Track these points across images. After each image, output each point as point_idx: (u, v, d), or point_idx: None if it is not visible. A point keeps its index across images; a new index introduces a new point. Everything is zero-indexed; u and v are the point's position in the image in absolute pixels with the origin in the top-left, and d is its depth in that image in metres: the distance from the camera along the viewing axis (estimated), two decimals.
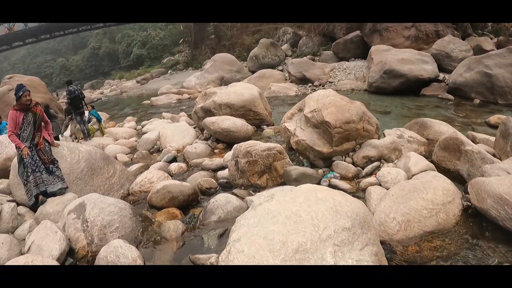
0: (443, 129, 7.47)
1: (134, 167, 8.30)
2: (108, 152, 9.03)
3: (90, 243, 4.64)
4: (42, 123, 5.92)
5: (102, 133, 12.93)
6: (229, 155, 7.14)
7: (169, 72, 41.33)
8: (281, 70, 24.29)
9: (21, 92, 5.54)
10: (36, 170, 5.56)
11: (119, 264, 4.13)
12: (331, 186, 5.63)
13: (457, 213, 4.50)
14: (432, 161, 6.18)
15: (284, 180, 5.89)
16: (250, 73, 25.64)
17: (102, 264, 4.20)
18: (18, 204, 5.87)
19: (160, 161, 8.43)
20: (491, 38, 19.48)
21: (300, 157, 6.97)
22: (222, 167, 7.19)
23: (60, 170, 5.90)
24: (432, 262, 3.85)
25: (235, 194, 5.64)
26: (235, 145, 6.40)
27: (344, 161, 6.50)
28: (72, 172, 6.28)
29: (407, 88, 15.37)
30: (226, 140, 8.85)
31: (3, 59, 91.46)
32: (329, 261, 2.80)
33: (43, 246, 4.47)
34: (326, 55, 24.14)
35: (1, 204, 5.56)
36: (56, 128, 11.00)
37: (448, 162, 5.98)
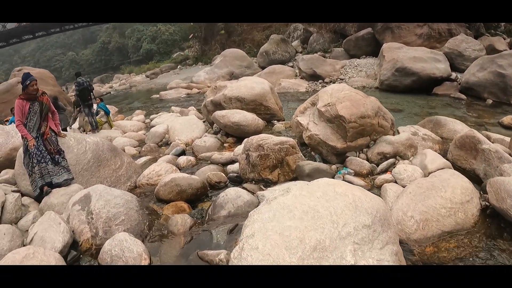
0: (457, 127, 7.36)
1: (142, 160, 8.19)
2: (116, 145, 8.87)
3: (95, 236, 4.50)
4: (49, 113, 5.78)
5: (110, 126, 12.85)
6: (239, 149, 7.01)
7: (178, 67, 41.26)
8: (292, 67, 24.07)
9: (28, 81, 5.42)
10: (42, 161, 5.43)
11: (123, 258, 3.99)
12: None
13: (476, 213, 4.35)
14: (447, 160, 5.99)
15: (297, 175, 5.71)
16: (260, 69, 25.49)
17: (106, 260, 4.07)
18: (22, 195, 5.77)
19: (169, 154, 8.32)
20: (504, 38, 19.19)
21: (312, 153, 6.79)
22: (232, 161, 7.04)
23: (66, 161, 5.77)
24: (449, 263, 3.72)
25: (246, 189, 5.45)
26: (246, 139, 6.26)
27: (358, 157, 6.32)
28: (79, 163, 6.17)
29: (419, 87, 15.15)
30: (236, 134, 8.72)
31: (13, 53, 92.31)
32: (349, 260, 2.62)
33: (46, 238, 4.34)
34: (337, 52, 23.94)
35: (5, 194, 5.46)
36: (64, 121, 10.90)
37: (464, 161, 5.84)
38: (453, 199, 4.31)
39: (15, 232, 4.69)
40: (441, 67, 15.52)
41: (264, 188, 5.56)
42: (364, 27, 22.71)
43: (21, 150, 5.92)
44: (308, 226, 2.76)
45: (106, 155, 6.61)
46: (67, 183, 5.61)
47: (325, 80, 19.40)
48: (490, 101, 12.66)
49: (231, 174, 6.37)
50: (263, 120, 9.36)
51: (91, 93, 11.77)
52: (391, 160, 6.11)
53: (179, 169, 7.15)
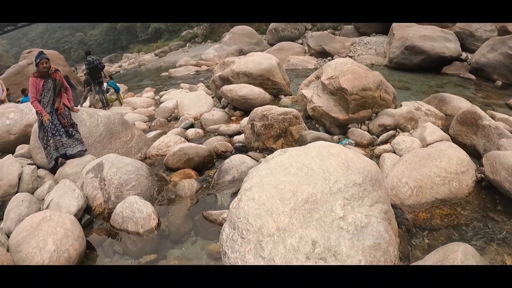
0: (462, 105, 7.31)
1: (152, 133, 8.42)
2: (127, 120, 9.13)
3: (107, 201, 4.79)
4: (62, 89, 6.05)
5: (120, 103, 13.05)
6: (245, 120, 7.17)
7: (187, 44, 41.08)
8: (301, 44, 23.94)
9: (38, 59, 5.71)
10: (56, 134, 5.71)
11: (134, 219, 4.26)
12: None
13: (470, 184, 4.43)
14: (449, 136, 6.09)
15: (299, 144, 5.86)
16: (269, 46, 25.33)
17: (118, 221, 4.34)
18: (38, 167, 6.06)
19: (178, 128, 8.54)
20: None
21: (316, 125, 6.96)
22: (238, 132, 7.24)
23: (80, 134, 6.06)
24: (442, 230, 3.84)
25: (250, 156, 5.68)
26: (252, 110, 6.43)
27: (360, 128, 6.49)
28: (91, 135, 6.45)
29: (428, 66, 14.99)
30: (243, 108, 8.89)
31: (21, 36, 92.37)
32: (338, 213, 2.85)
33: (62, 203, 4.62)
34: (346, 29, 23.67)
35: (22, 167, 5.76)
36: (74, 99, 11.09)
37: (465, 136, 5.90)
38: (448, 169, 4.41)
39: (32, 199, 4.99)
40: (451, 46, 15.31)
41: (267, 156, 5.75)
42: None
43: (36, 126, 6.19)
44: (301, 181, 2.99)
45: (118, 128, 6.88)
46: (80, 154, 5.90)
47: (334, 57, 19.24)
48: (499, 83, 12.50)
49: (237, 144, 6.58)
50: (270, 94, 9.51)
51: (102, 71, 11.94)
52: (391, 132, 6.26)
53: (188, 141, 7.38)
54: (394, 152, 5.63)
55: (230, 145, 6.54)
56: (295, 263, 2.52)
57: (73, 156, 5.81)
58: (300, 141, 5.87)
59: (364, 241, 2.80)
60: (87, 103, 13.30)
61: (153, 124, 9.74)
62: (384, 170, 4.93)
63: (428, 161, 4.54)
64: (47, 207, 4.70)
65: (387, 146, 5.83)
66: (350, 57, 19.06)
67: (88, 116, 6.60)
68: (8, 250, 3.70)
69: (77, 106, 7.39)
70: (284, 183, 2.96)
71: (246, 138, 6.30)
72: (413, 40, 15.46)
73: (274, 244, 2.61)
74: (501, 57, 12.63)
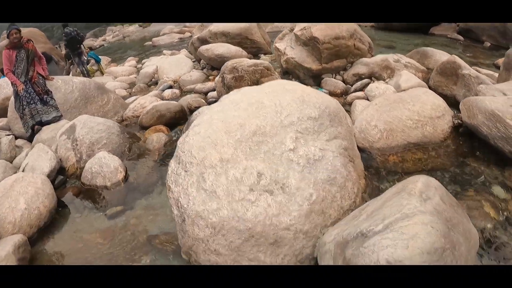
0: (444, 59, 7.11)
1: (131, 99, 8.31)
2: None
3: (79, 160, 4.82)
4: (36, 59, 6.03)
5: (102, 73, 12.86)
6: None
7: None
8: None
9: (9, 31, 5.70)
10: (31, 102, 5.79)
11: (102, 173, 4.30)
12: None
13: (446, 129, 4.29)
14: (429, 87, 5.87)
15: None
16: None
17: (87, 177, 4.35)
18: (16, 138, 6.08)
19: (156, 90, 8.43)
20: None
21: (291, 77, 6.89)
22: (213, 89, 7.17)
23: (54, 100, 6.11)
24: (414, 173, 3.66)
25: None
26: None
27: (334, 78, 6.43)
28: (66, 101, 6.47)
29: (416, 26, 14.59)
30: (220, 67, 8.73)
31: None
32: (289, 145, 2.81)
33: (36, 166, 4.67)
34: None
35: (0, 138, 5.77)
36: (57, 75, 10.95)
37: (445, 87, 5.74)
38: (422, 112, 4.29)
39: (8, 165, 5.02)
40: None
41: None
42: None
43: (12, 97, 6.19)
44: (250, 115, 2.95)
45: (93, 93, 6.88)
46: (55, 120, 5.97)
47: None
48: (488, 44, 12.23)
49: (210, 99, 6.56)
50: (249, 53, 9.37)
51: (81, 43, 11.76)
52: (365, 81, 6.19)
53: (163, 100, 7.29)
54: (367, 99, 5.57)
55: (203, 100, 6.50)
56: (237, 196, 2.52)
57: (48, 123, 5.89)
58: None
59: (317, 174, 2.76)
60: (69, 77, 13.06)
61: (133, 90, 9.61)
62: (354, 116, 4.86)
63: (400, 104, 4.43)
64: (22, 171, 4.71)
65: (360, 94, 5.80)
66: None
67: (63, 83, 6.63)
68: None
69: None
70: (233, 118, 2.94)
71: (218, 92, 6.25)
72: None
73: (216, 175, 2.60)
74: None
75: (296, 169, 2.72)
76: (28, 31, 18.38)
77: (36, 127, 5.82)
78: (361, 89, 6.09)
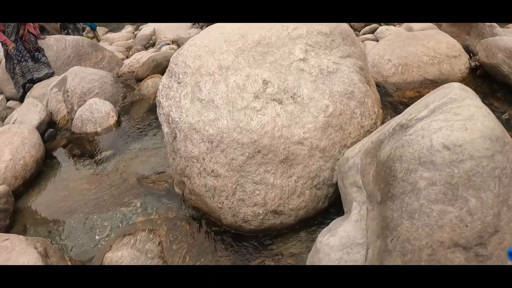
0: None
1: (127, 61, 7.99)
2: None
3: (70, 112, 4.59)
4: None
5: (98, 41, 12.46)
6: None
7: None
8: None
9: None
10: (22, 60, 5.69)
11: (92, 119, 4.10)
12: None
13: (464, 70, 4.00)
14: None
15: None
16: None
17: (78, 125, 4.12)
18: (8, 100, 5.96)
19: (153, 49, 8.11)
20: None
21: None
22: None
23: (46, 57, 5.96)
24: None
25: None
26: None
27: None
28: (59, 59, 6.26)
29: None
30: None
31: None
32: (298, 55, 2.42)
33: (25, 120, 4.46)
34: None
35: None
36: None
37: (457, 38, 5.39)
38: (438, 49, 3.99)
39: None
40: None
41: None
42: None
43: (3, 60, 6.11)
44: (252, 27, 2.55)
45: (87, 50, 6.65)
46: (47, 76, 5.79)
47: None
48: None
49: None
50: None
51: None
52: (374, 25, 5.89)
53: None
54: (377, 41, 5.22)
55: None
56: (239, 104, 2.15)
57: (40, 80, 5.74)
58: None
59: (332, 86, 2.39)
60: None
61: (130, 53, 9.28)
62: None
63: (413, 41, 4.11)
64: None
65: (369, 36, 5.49)
66: None
67: (55, 42, 6.41)
68: None
69: None
70: (233, 29, 2.54)
71: None
72: None
73: (214, 83, 2.23)
74: None
75: (308, 79, 2.34)
76: None
77: (27, 85, 5.69)
78: (370, 33, 5.77)
